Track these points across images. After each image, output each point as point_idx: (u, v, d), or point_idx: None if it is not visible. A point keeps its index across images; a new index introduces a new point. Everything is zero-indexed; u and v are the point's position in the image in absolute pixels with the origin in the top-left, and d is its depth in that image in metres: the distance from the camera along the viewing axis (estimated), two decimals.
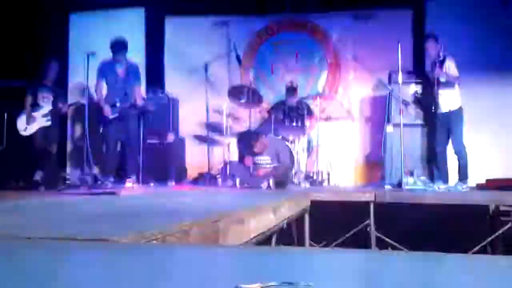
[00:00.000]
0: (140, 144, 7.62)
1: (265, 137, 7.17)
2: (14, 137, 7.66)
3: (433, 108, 7.07)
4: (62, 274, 1.42)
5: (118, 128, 7.42)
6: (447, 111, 7.07)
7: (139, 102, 7.39)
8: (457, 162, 7.04)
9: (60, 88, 8.02)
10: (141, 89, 7.68)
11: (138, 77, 7.61)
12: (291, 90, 8.46)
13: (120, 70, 7.50)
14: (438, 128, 7.21)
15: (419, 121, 7.63)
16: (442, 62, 7.02)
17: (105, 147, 7.55)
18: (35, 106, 7.62)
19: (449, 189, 6.56)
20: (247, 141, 7.12)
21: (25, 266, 1.49)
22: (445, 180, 7.01)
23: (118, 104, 7.34)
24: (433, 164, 7.33)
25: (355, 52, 9.01)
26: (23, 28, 8.91)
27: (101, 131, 7.55)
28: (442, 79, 7.00)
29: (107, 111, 7.32)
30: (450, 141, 7.18)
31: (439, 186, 6.60)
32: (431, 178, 7.09)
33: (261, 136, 7.12)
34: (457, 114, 7.08)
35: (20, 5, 8.98)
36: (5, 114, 7.87)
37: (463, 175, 6.92)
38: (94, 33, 9.25)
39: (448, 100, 7.06)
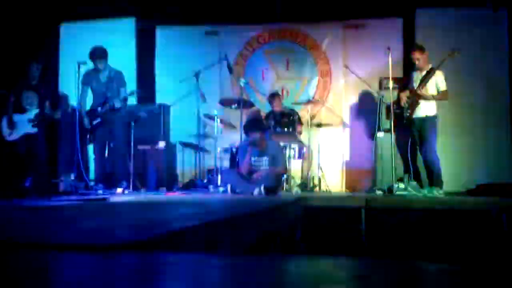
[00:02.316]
0: (131, 151, 7.61)
1: (265, 138, 7.21)
2: (1, 143, 7.59)
3: (409, 111, 7.02)
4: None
5: (104, 134, 7.48)
6: (423, 116, 7.01)
7: (116, 105, 7.39)
8: (430, 169, 6.94)
9: (47, 92, 7.91)
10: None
11: (122, 83, 7.60)
12: (273, 96, 8.58)
13: (103, 77, 7.56)
14: (412, 132, 7.12)
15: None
16: (428, 74, 6.97)
17: (93, 153, 7.58)
18: (20, 109, 7.56)
19: (425, 195, 6.58)
20: (254, 128, 7.14)
21: None
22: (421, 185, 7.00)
23: (99, 109, 7.45)
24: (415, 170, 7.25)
25: (345, 60, 9.06)
26: (14, 38, 8.89)
27: (88, 138, 7.58)
28: (424, 97, 6.95)
29: (86, 123, 7.45)
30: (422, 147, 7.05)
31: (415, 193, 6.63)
32: (421, 183, 7.09)
33: (264, 132, 7.17)
34: (432, 121, 7.01)
35: (12, 15, 8.96)
36: None
37: (437, 181, 6.86)
38: (85, 43, 9.24)
39: (424, 106, 7.01)
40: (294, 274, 1.51)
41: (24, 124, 7.54)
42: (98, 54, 7.49)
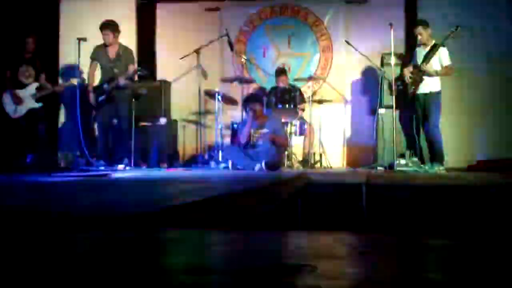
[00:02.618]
0: (132, 128, 7.60)
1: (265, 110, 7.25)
2: (3, 120, 7.57)
3: (413, 88, 7.00)
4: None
5: (109, 111, 7.47)
6: (427, 92, 7.00)
7: (122, 82, 7.37)
8: (432, 145, 6.95)
9: (43, 65, 7.88)
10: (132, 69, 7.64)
11: (130, 60, 7.59)
12: (281, 72, 8.49)
13: (111, 53, 7.54)
14: (416, 108, 7.11)
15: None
16: (432, 50, 6.94)
17: (97, 130, 7.56)
18: (17, 83, 7.53)
19: (426, 171, 6.58)
20: (252, 99, 7.19)
21: None
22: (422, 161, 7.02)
23: (105, 86, 7.42)
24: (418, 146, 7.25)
25: (347, 36, 8.99)
26: (12, 13, 8.82)
27: (93, 114, 7.56)
28: (428, 73, 6.92)
29: (91, 99, 7.45)
30: (425, 122, 7.04)
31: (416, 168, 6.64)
32: (422, 159, 7.09)
33: (262, 104, 7.21)
34: (435, 97, 7.00)
35: None
36: None
37: (439, 157, 6.87)
38: (86, 19, 9.20)
39: (428, 82, 6.99)
40: (295, 249, 1.51)
41: (27, 99, 7.53)
42: (105, 25, 7.49)
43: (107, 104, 7.44)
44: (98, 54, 7.56)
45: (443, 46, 6.93)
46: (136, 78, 8.07)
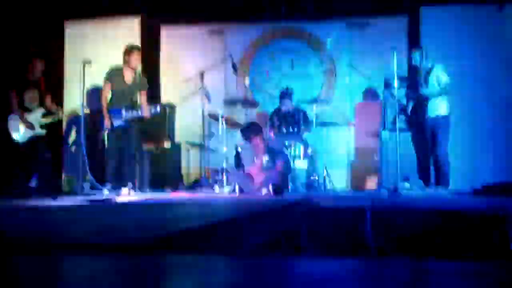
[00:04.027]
0: (137, 151, 7.58)
1: (264, 139, 7.23)
2: (6, 143, 7.55)
3: (421, 113, 7.01)
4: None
5: (120, 135, 7.31)
6: (434, 116, 7.00)
7: (147, 115, 7.25)
8: (439, 168, 6.93)
9: (49, 89, 7.87)
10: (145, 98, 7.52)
11: (144, 87, 7.48)
12: (286, 95, 8.46)
13: (128, 77, 7.39)
14: (425, 133, 7.11)
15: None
16: (429, 73, 6.97)
17: (105, 154, 7.41)
18: (24, 108, 7.53)
19: (431, 195, 6.56)
20: (251, 131, 7.19)
21: None
22: (427, 184, 6.99)
23: (123, 113, 7.27)
24: (426, 169, 7.25)
25: (350, 59, 9.04)
26: (19, 36, 8.90)
27: (102, 137, 7.45)
28: (428, 96, 6.94)
29: (107, 123, 7.23)
30: (434, 146, 7.03)
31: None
32: (427, 183, 7.07)
33: (261, 135, 7.19)
34: (444, 121, 7.00)
35: (17, 12, 8.97)
36: None
37: (444, 181, 6.85)
38: (90, 41, 9.26)
39: (436, 105, 6.99)
40: (302, 275, 1.50)
41: (34, 124, 7.51)
42: (136, 49, 7.43)
43: (120, 130, 7.32)
44: (114, 76, 7.37)
45: (438, 64, 6.98)
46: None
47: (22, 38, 8.87)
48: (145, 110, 7.23)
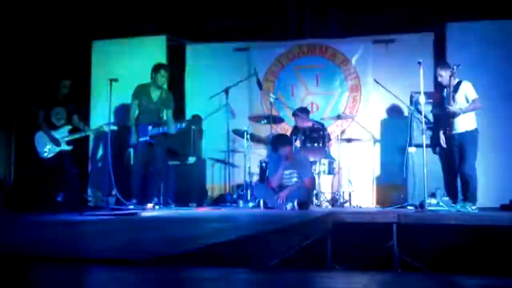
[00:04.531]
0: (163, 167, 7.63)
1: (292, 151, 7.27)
2: (34, 159, 7.65)
3: (448, 129, 6.95)
4: None
5: (145, 151, 7.39)
6: (463, 131, 6.92)
7: (173, 131, 7.34)
8: (466, 184, 6.84)
9: (76, 107, 7.97)
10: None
11: (170, 105, 7.56)
12: (301, 112, 8.43)
13: (155, 94, 7.49)
14: (453, 148, 7.03)
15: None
16: (456, 89, 6.90)
17: (131, 170, 7.47)
18: (49, 124, 7.62)
19: (458, 210, 6.47)
20: (280, 141, 7.25)
21: None
22: (454, 201, 6.90)
23: (149, 129, 7.33)
24: (453, 185, 7.15)
25: (375, 74, 9.01)
26: (47, 56, 9.07)
27: (128, 153, 7.53)
28: (456, 112, 6.87)
29: (133, 138, 7.34)
30: (461, 162, 6.94)
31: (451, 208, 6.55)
32: (454, 199, 6.99)
33: (291, 146, 7.22)
34: (471, 135, 6.91)
35: (45, 33, 9.16)
36: (26, 137, 7.87)
37: (471, 196, 6.75)
38: (117, 60, 9.37)
39: (463, 120, 6.92)
40: None
41: (60, 141, 7.59)
42: (165, 67, 7.57)
43: (147, 146, 7.40)
44: (141, 93, 7.50)
45: (466, 81, 6.89)
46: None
47: (51, 57, 9.03)
48: (171, 127, 7.30)
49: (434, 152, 7.15)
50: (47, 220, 4.82)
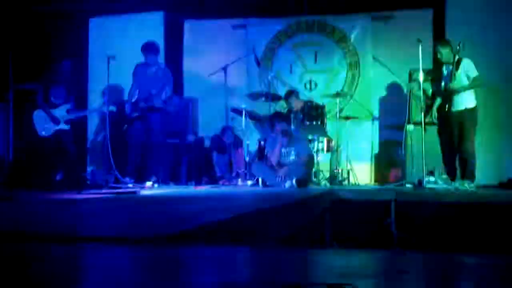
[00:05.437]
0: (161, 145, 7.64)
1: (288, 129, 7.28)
2: (32, 137, 7.65)
3: (447, 106, 6.89)
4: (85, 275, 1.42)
5: (140, 128, 7.46)
6: (462, 109, 6.87)
7: (156, 105, 7.41)
8: (465, 162, 6.83)
9: (76, 88, 7.98)
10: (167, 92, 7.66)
11: (168, 81, 7.60)
12: (288, 97, 8.40)
13: (150, 73, 7.57)
14: (452, 126, 6.98)
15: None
16: (457, 66, 6.83)
17: (128, 146, 7.54)
18: (50, 104, 7.61)
19: (456, 188, 6.47)
20: (277, 117, 7.31)
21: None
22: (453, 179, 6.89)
23: (140, 106, 7.43)
24: (452, 163, 7.13)
25: (374, 52, 8.96)
26: (43, 33, 9.01)
27: (124, 129, 7.57)
28: (457, 90, 6.81)
29: (127, 110, 7.47)
30: (460, 140, 6.91)
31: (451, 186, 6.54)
32: (452, 177, 6.98)
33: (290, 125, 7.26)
34: (471, 113, 6.87)
35: (41, 11, 9.09)
36: (23, 116, 7.85)
37: (470, 174, 6.73)
38: (114, 37, 9.32)
39: (463, 98, 6.87)
40: (325, 267, 1.49)
41: (59, 119, 7.58)
42: (148, 48, 7.58)
43: (139, 122, 7.45)
44: (138, 72, 7.63)
45: (467, 58, 6.82)
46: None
47: (49, 36, 8.98)
48: (156, 101, 7.40)
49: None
50: (45, 198, 4.81)
